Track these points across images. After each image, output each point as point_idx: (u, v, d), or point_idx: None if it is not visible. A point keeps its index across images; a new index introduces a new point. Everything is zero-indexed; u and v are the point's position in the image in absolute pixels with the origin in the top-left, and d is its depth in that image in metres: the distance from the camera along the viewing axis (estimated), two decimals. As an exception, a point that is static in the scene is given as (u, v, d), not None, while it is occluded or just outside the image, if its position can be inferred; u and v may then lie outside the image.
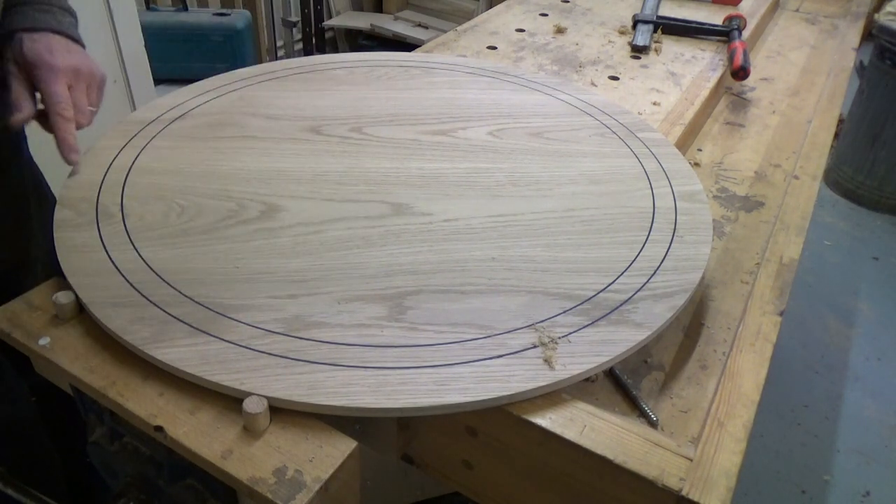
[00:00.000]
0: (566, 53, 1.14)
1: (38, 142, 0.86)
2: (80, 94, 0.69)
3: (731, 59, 1.09)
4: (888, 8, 2.26)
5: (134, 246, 0.60)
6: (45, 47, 0.68)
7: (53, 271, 0.58)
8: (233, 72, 0.90)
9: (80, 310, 0.55)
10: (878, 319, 2.00)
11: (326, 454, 0.46)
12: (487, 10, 1.38)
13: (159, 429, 0.47)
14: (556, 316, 0.55)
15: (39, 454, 0.90)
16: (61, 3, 0.73)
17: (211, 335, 0.51)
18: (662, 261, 0.61)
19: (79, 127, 0.68)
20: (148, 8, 2.48)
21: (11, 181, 0.83)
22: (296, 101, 0.85)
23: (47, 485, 0.92)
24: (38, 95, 0.69)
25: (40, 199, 0.87)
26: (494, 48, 1.15)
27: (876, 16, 2.22)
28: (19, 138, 0.85)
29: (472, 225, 0.65)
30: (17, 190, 0.84)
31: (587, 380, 0.55)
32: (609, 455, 0.46)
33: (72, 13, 0.74)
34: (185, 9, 2.55)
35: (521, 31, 1.24)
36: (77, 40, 0.72)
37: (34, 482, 0.65)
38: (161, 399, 0.49)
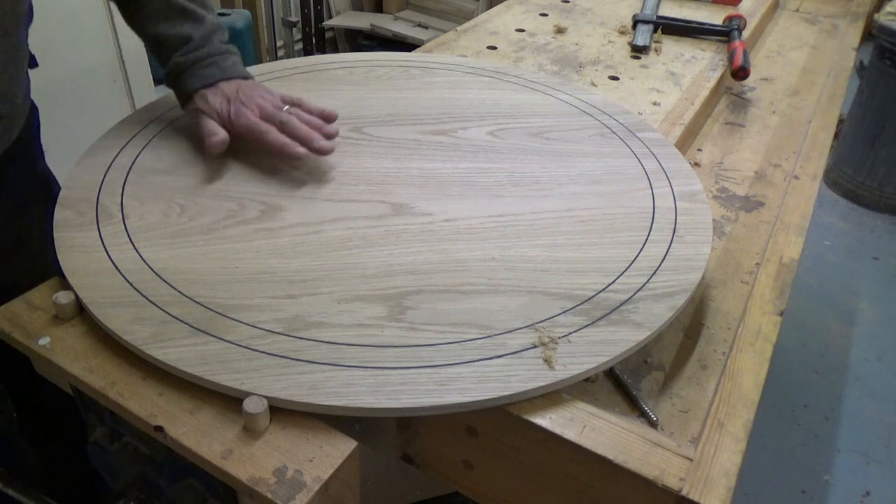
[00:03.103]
0: (566, 53, 1.14)
1: (52, 147, 0.85)
2: (279, 113, 0.72)
3: (731, 59, 1.09)
4: (888, 8, 2.26)
5: (134, 246, 0.60)
6: (223, 98, 0.72)
7: (54, 272, 0.58)
8: (233, 72, 0.90)
9: (80, 310, 0.55)
10: (878, 319, 2.00)
11: (326, 454, 0.46)
12: (487, 10, 1.38)
13: (159, 429, 0.47)
14: (556, 316, 0.55)
15: (20, 466, 0.91)
16: (219, 48, 0.74)
17: (211, 335, 0.51)
18: (662, 261, 0.61)
19: (319, 146, 0.71)
20: (148, 8, 2.48)
21: (21, 191, 0.82)
22: (296, 101, 0.85)
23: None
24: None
25: (50, 208, 0.87)
26: (494, 48, 1.15)
27: (876, 16, 2.22)
28: (34, 149, 0.84)
29: (472, 225, 0.65)
30: (26, 199, 0.83)
31: (587, 380, 0.55)
32: (609, 455, 0.46)
33: (230, 51, 0.76)
34: (185, 9, 2.55)
35: (521, 31, 1.24)
36: (245, 76, 0.76)
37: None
38: (161, 399, 0.49)
